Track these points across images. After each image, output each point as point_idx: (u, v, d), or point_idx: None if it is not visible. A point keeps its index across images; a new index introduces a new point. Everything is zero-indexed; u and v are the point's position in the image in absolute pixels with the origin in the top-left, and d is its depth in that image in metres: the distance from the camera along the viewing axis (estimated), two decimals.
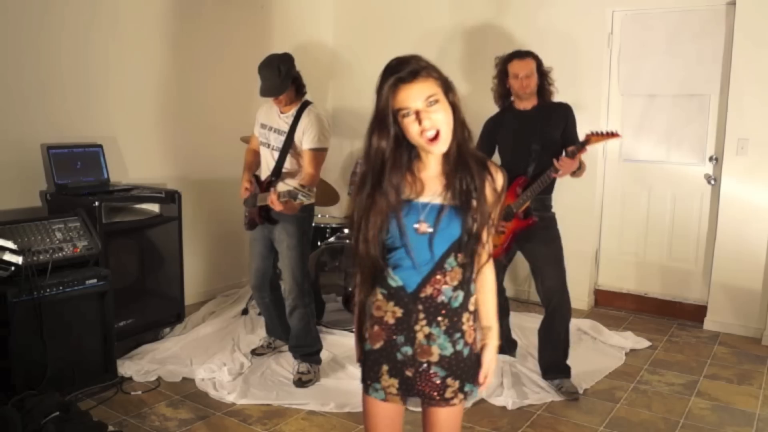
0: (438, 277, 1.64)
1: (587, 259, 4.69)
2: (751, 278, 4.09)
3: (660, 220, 4.55)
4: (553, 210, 3.42)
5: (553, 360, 3.35)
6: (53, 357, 2.96)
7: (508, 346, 3.71)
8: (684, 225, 4.46)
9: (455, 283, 1.65)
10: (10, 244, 2.94)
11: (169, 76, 4.32)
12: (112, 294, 3.26)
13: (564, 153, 3.20)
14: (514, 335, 3.81)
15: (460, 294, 1.67)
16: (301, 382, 3.33)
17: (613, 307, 4.75)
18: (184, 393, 3.25)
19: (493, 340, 1.75)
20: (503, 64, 3.38)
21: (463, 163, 1.63)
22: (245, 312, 4.36)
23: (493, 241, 3.53)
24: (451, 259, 1.64)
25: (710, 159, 4.33)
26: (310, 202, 3.09)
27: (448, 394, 1.68)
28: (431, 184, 1.65)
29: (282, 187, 3.30)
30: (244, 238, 4.70)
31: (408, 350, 1.67)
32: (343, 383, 3.38)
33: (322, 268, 4.44)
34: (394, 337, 1.68)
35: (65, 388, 2.98)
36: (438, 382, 1.68)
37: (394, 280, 1.66)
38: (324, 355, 3.57)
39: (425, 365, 1.67)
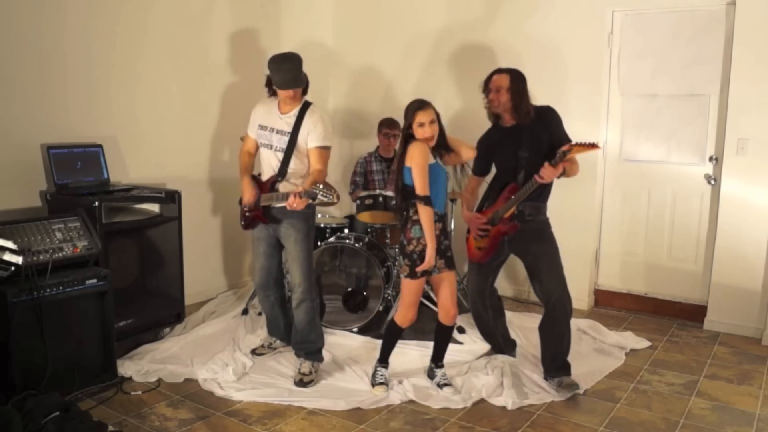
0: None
1: (587, 259, 4.70)
2: (751, 278, 4.10)
3: (660, 220, 4.55)
4: (548, 216, 3.44)
5: (556, 355, 3.33)
6: (53, 357, 2.96)
7: (506, 345, 3.72)
8: (684, 225, 4.46)
9: None
10: (10, 244, 2.94)
11: (170, 76, 4.32)
12: (112, 294, 3.26)
13: (548, 160, 3.22)
14: (513, 335, 3.81)
15: None
16: (302, 383, 3.33)
17: (613, 307, 4.75)
18: (184, 393, 3.24)
19: None
20: (488, 78, 3.40)
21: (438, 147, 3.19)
22: (245, 312, 4.36)
23: (477, 244, 3.58)
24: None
25: (710, 159, 4.33)
26: (331, 202, 3.18)
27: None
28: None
29: (289, 187, 3.36)
30: (244, 238, 4.71)
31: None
32: (343, 383, 3.38)
33: (322, 268, 4.44)
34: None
35: (65, 388, 2.98)
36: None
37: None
38: (324, 355, 3.57)
39: None
